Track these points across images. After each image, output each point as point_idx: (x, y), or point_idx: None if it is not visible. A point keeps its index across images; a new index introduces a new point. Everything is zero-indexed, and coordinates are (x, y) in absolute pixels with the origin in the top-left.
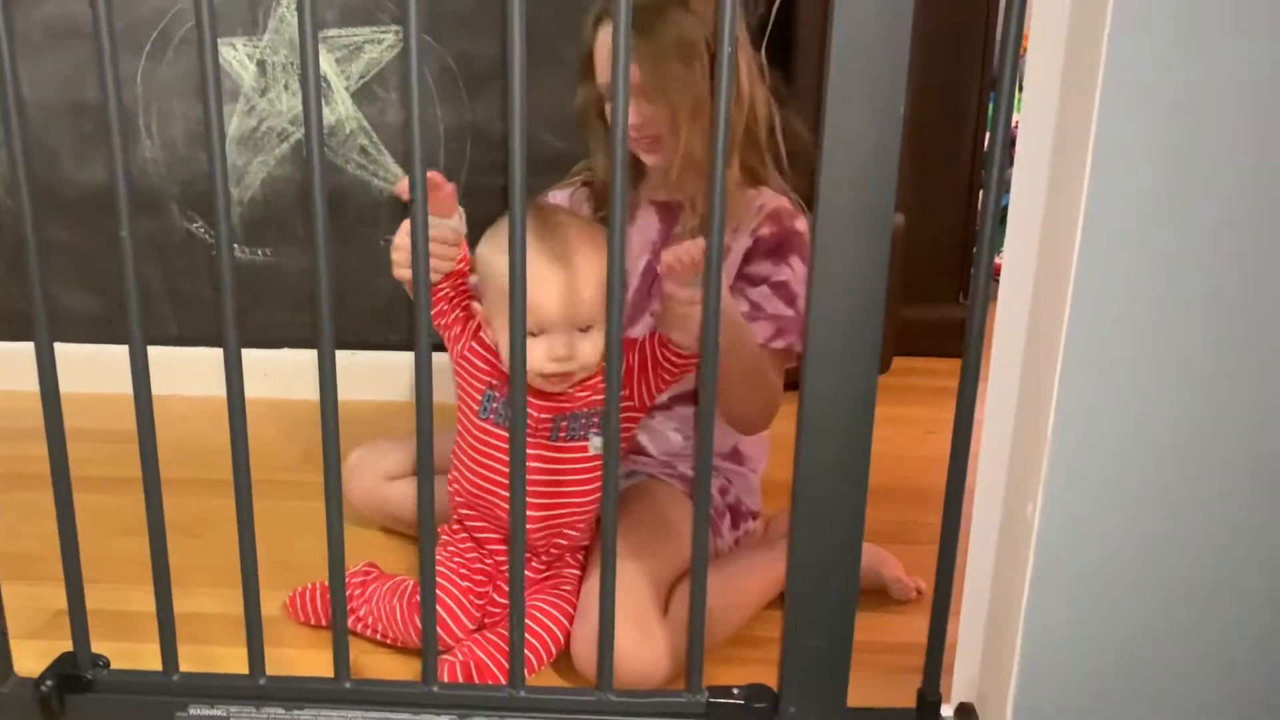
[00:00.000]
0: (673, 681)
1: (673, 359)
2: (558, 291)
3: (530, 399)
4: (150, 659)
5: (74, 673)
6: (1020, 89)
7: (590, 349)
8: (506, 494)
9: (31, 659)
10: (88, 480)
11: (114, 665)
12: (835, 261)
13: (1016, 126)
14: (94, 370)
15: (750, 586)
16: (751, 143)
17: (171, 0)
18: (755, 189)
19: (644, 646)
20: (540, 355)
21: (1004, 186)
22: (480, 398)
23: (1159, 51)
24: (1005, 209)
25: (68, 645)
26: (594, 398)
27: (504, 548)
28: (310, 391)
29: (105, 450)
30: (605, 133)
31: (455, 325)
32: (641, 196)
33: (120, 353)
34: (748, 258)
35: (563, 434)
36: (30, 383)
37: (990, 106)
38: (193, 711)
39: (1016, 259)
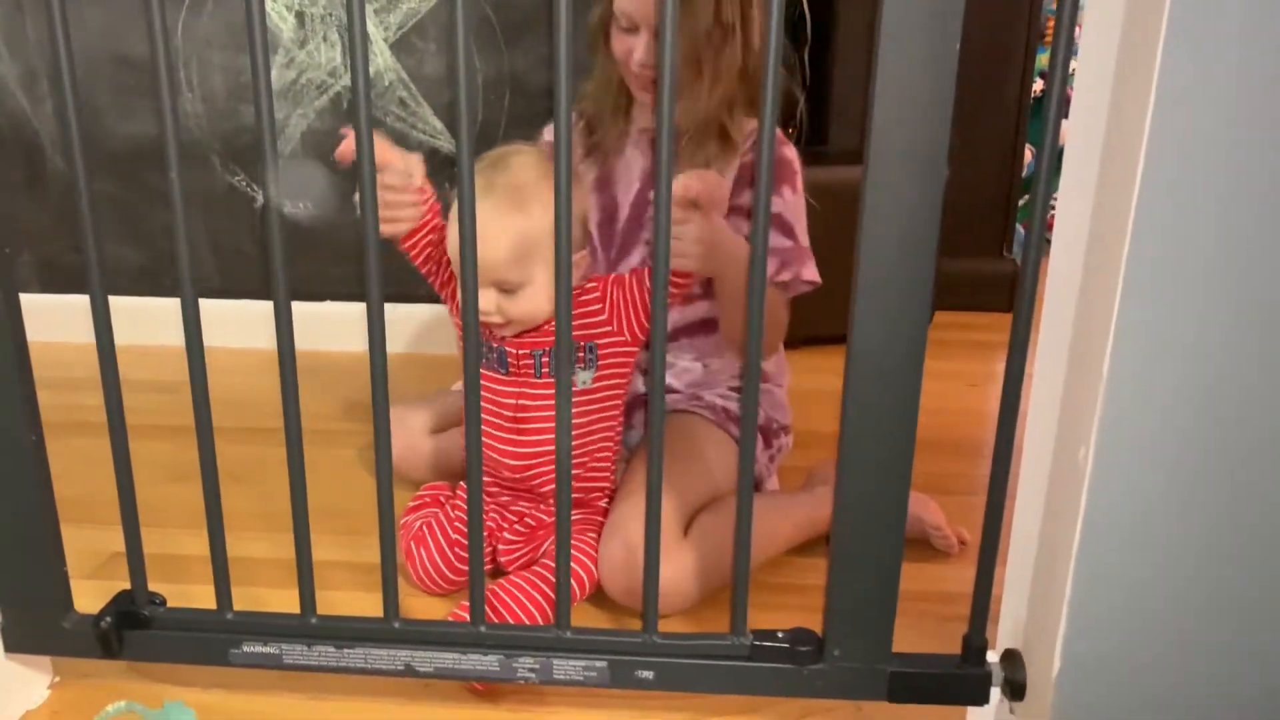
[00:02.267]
0: (696, 603)
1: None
2: None
3: (508, 337)
4: (200, 600)
5: (132, 609)
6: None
7: (520, 307)
8: (497, 435)
9: (89, 598)
10: (130, 429)
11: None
12: (886, 205)
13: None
14: (131, 322)
15: (781, 525)
16: (749, 75)
17: None
18: (748, 120)
19: (663, 564)
20: None
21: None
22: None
23: None
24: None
25: (122, 587)
26: (574, 333)
27: (504, 494)
28: (349, 343)
29: (144, 400)
30: (609, 57)
31: (450, 284)
32: (633, 127)
33: (157, 305)
34: (738, 187)
35: (545, 370)
36: (74, 334)
37: (1036, 57)
38: (246, 649)
39: (1071, 205)
